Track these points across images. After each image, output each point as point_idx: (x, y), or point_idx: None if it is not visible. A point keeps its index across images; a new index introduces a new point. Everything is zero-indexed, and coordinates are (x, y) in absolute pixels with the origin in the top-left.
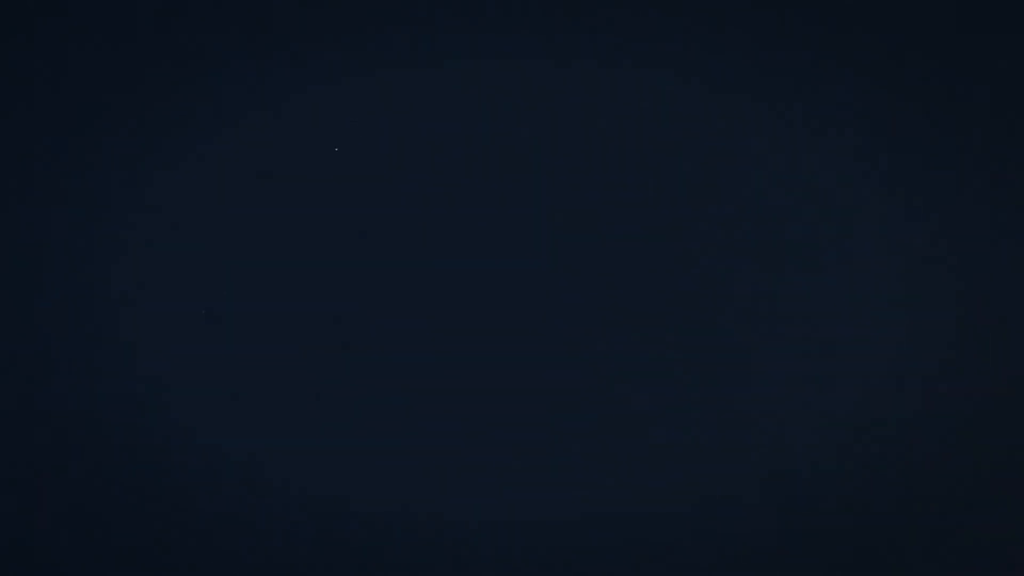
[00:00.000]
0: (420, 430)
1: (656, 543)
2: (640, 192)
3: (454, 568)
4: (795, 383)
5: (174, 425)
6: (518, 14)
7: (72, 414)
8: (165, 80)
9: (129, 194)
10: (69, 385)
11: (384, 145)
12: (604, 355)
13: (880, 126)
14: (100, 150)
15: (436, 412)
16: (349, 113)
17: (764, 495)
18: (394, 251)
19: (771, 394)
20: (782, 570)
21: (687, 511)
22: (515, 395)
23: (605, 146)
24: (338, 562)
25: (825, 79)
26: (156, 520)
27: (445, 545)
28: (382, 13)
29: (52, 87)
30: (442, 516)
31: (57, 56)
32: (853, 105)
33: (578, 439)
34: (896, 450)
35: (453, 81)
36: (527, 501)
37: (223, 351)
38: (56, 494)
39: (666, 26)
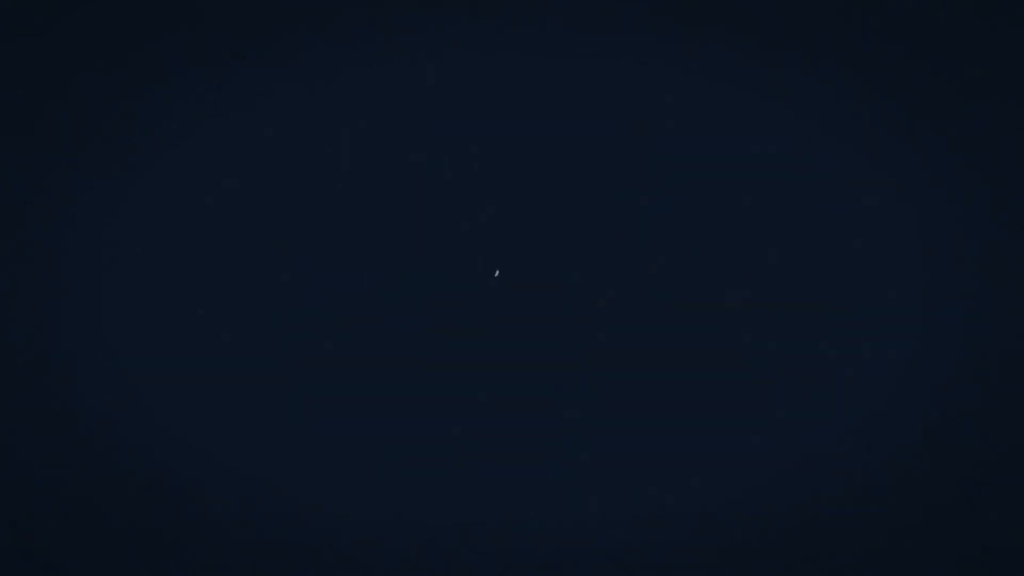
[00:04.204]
0: (419, 431)
1: (659, 545)
2: (643, 193)
3: (455, 568)
4: (799, 385)
5: (165, 428)
6: (519, 14)
7: (65, 416)
8: (153, 84)
9: (119, 197)
10: (61, 388)
11: (377, 144)
12: (603, 352)
13: (889, 125)
14: (91, 155)
15: (437, 412)
16: (347, 113)
17: (767, 501)
18: (390, 252)
19: (776, 396)
20: (783, 567)
21: (690, 515)
22: (514, 396)
23: (605, 146)
24: (333, 563)
25: (832, 80)
26: (150, 521)
27: (445, 546)
28: (379, 13)
29: (39, 92)
30: (445, 517)
31: (48, 62)
32: (862, 105)
33: (580, 441)
34: (902, 452)
35: (452, 80)
36: (526, 503)
37: (214, 354)
38: (50, 496)
39: (667, 27)
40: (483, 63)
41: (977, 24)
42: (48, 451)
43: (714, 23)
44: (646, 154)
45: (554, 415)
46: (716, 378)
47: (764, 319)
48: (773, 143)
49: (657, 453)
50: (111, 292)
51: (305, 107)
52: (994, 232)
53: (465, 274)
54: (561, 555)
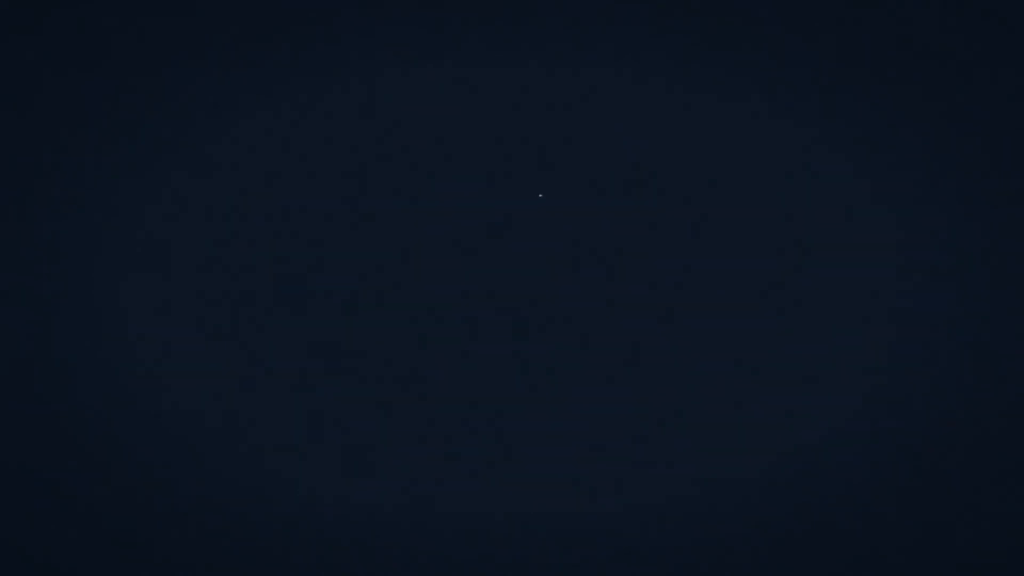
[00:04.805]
0: (420, 428)
1: (657, 538)
2: (641, 192)
3: (457, 565)
4: (798, 380)
5: (170, 425)
6: (518, 17)
7: (72, 414)
8: (160, 86)
9: (119, 197)
10: (68, 386)
11: (376, 145)
12: (605, 352)
13: (888, 126)
14: (101, 155)
15: (437, 411)
16: (346, 113)
17: (767, 489)
18: (390, 252)
19: (774, 390)
20: (783, 567)
21: (689, 507)
22: (512, 393)
23: (603, 149)
24: (333, 559)
25: (827, 78)
26: (156, 522)
27: (448, 542)
28: (380, 14)
29: (48, 92)
30: (446, 513)
31: (56, 59)
32: (862, 105)
33: (579, 435)
34: (897, 446)
35: (452, 82)
36: (526, 497)
37: (213, 354)
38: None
39: (666, 28)
40: (482, 63)
41: (977, 24)
42: (47, 451)
43: (713, 24)
44: (644, 155)
45: (553, 415)
46: (716, 379)
47: (764, 320)
48: (772, 143)
49: (656, 453)
50: (111, 292)
51: (304, 107)
52: (994, 232)
53: (465, 274)
54: (561, 554)
